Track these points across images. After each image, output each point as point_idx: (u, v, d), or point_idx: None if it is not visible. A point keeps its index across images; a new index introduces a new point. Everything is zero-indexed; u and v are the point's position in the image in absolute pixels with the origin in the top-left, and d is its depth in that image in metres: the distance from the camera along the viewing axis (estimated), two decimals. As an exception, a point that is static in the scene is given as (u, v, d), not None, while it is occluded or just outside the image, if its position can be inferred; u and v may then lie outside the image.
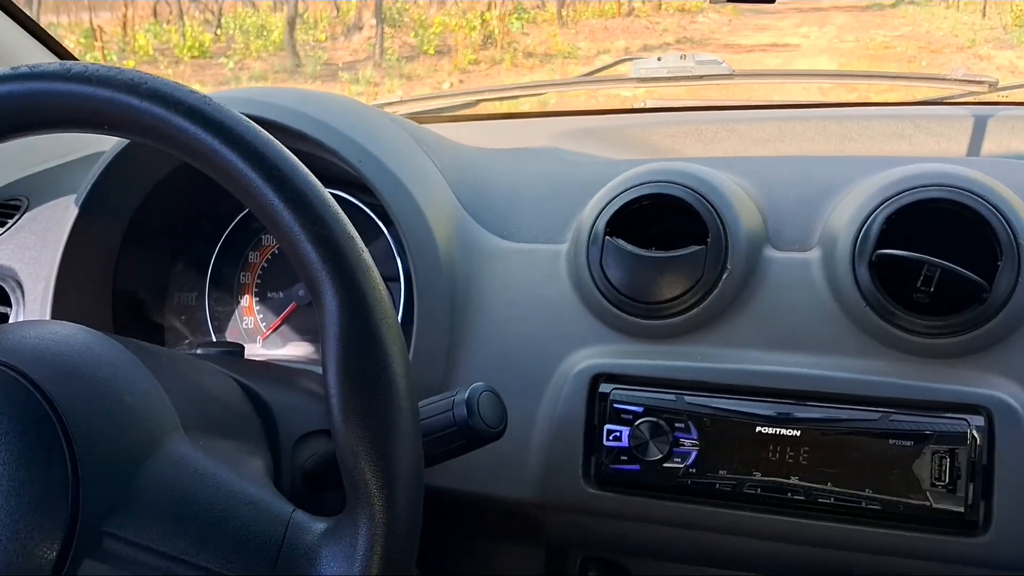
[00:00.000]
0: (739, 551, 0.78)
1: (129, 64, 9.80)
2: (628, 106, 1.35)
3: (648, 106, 1.38)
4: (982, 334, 0.73)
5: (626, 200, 0.83)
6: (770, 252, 0.81)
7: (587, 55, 10.14)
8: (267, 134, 0.57)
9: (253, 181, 0.55)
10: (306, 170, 0.57)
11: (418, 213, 0.86)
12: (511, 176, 0.97)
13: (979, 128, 1.06)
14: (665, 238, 0.82)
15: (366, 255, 0.56)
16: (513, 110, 1.46)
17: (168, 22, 12.06)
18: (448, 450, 0.70)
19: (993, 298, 0.72)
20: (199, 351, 0.86)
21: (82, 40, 10.52)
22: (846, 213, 0.79)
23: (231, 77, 9.97)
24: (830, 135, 1.11)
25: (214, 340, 1.02)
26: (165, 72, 9.93)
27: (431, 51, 10.51)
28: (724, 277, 0.79)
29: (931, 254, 0.74)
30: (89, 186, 0.93)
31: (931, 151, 1.07)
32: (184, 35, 11.25)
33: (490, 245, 0.89)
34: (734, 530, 0.76)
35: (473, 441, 0.69)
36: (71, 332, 0.61)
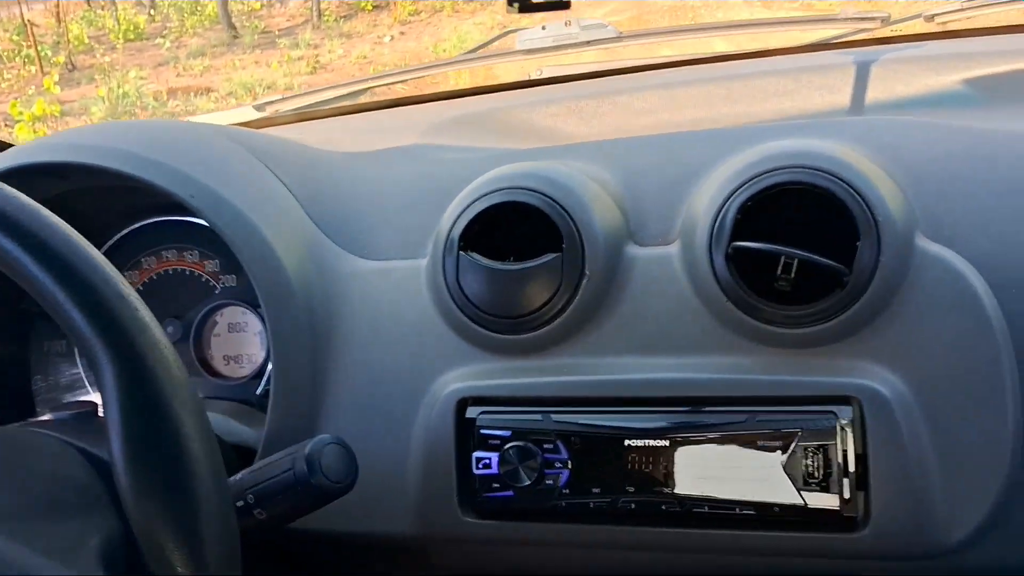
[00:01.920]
0: (624, 564, 0.76)
1: (59, 60, 9.51)
2: (519, 79, 1.30)
3: (540, 77, 1.33)
4: (846, 320, 0.69)
5: (477, 211, 0.78)
6: (632, 250, 0.77)
7: (529, -8, 9.91)
8: (23, 200, 0.52)
9: (11, 252, 0.51)
10: (67, 232, 0.53)
11: (263, 243, 0.81)
12: (374, 184, 0.92)
13: (863, 76, 1.01)
14: (528, 243, 0.78)
15: (141, 314, 0.52)
16: (402, 95, 1.40)
17: (102, 7, 11.71)
18: (296, 510, 0.66)
19: (854, 282, 0.68)
20: (49, 416, 0.82)
21: (14, 38, 10.20)
22: (702, 202, 0.75)
23: (169, 57, 9.74)
24: (713, 98, 1.06)
25: (66, 401, 0.97)
26: (102, 60, 9.65)
27: (368, 7, 10.26)
28: (584, 283, 0.75)
29: (792, 237, 0.70)
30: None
31: (815, 106, 1.02)
32: (118, 19, 10.94)
33: (349, 267, 0.84)
34: (614, 546, 0.73)
35: (320, 499, 0.66)
36: None
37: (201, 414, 0.54)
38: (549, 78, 1.30)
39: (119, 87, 8.10)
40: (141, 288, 1.00)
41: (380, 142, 1.03)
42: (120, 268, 0.98)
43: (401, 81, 1.39)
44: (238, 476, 0.68)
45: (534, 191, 0.77)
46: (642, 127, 1.06)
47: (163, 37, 10.21)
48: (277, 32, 10.04)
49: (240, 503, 0.67)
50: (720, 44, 1.30)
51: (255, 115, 1.40)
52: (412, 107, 1.34)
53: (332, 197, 0.90)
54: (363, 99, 1.44)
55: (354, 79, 1.43)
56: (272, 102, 1.41)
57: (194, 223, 0.97)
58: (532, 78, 1.34)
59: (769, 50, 1.18)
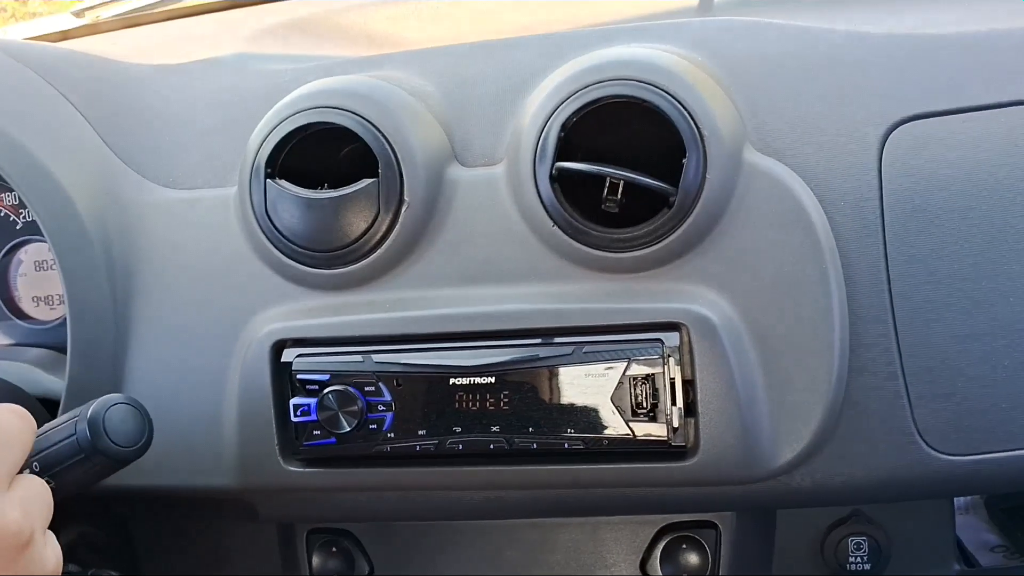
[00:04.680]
0: (455, 502, 0.73)
1: None
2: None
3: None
4: (674, 242, 0.65)
5: (283, 134, 0.71)
6: (456, 171, 0.71)
7: None
8: None
9: None
10: None
11: (44, 174, 0.73)
12: (182, 101, 0.83)
13: (713, -29, 0.95)
14: (346, 168, 0.72)
15: None
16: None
17: None
18: (87, 477, 0.61)
19: (681, 201, 0.65)
20: None
21: None
22: (527, 118, 0.69)
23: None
24: (559, -5, 0.99)
25: None
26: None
27: None
28: (404, 211, 0.69)
29: (623, 153, 0.66)
30: None
31: (663, 5, 0.96)
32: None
33: (151, 197, 0.76)
34: (443, 487, 0.70)
35: (109, 464, 0.60)
36: None
37: None
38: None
39: (-29, -16, 7.40)
40: None
41: (200, 51, 0.93)
42: None
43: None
44: None
45: (345, 110, 0.70)
46: (484, 30, 0.98)
47: (19, -73, 9.34)
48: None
49: (27, 471, 0.61)
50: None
51: (75, 22, 1.26)
52: (249, 8, 1.22)
53: (133, 118, 0.81)
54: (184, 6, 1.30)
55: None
56: (92, 7, 1.27)
57: None
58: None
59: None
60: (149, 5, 1.25)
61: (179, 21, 1.22)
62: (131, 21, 1.23)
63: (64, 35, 1.24)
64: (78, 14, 1.27)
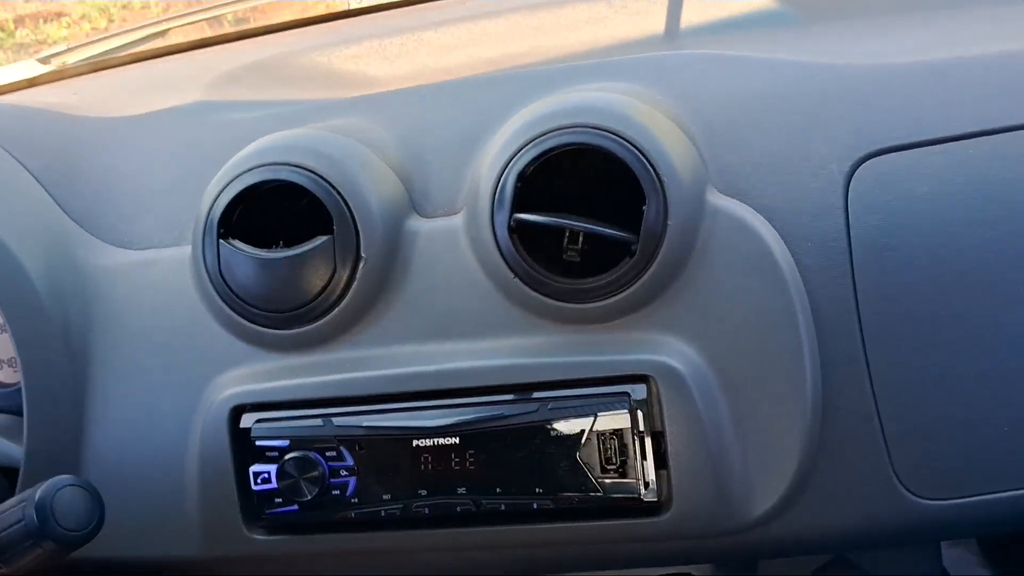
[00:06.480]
0: (425, 566, 0.71)
1: None
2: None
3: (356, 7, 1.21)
4: (638, 290, 0.63)
5: (234, 193, 0.69)
6: (414, 223, 0.69)
7: None
8: None
9: None
10: None
11: None
12: (139, 156, 0.81)
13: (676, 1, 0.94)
14: (303, 222, 0.70)
15: None
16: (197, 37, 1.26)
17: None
18: (38, 562, 0.59)
19: (643, 248, 0.63)
20: None
21: None
22: (484, 166, 0.67)
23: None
24: (523, 30, 0.97)
25: None
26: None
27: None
28: (361, 267, 0.67)
29: (583, 199, 0.64)
30: None
31: (628, 34, 0.95)
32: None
33: (107, 260, 0.75)
34: (412, 550, 0.68)
35: (59, 549, 0.58)
36: None
37: None
38: (362, 8, 1.18)
39: (-41, 17, 7.40)
40: None
41: (163, 99, 0.91)
42: None
43: (204, 19, 1.25)
44: None
45: (297, 167, 0.68)
46: (449, 66, 0.96)
47: (6, -42, 9.33)
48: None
49: None
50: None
51: (41, 69, 1.24)
52: (215, 49, 1.21)
53: (89, 178, 0.79)
54: (164, 41, 1.29)
55: (152, 20, 1.28)
56: (58, 53, 1.25)
57: None
58: (349, 8, 1.23)
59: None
60: (114, 49, 1.24)
61: (144, 63, 1.21)
62: (97, 65, 1.22)
63: (31, 82, 1.22)
64: (44, 60, 1.26)
